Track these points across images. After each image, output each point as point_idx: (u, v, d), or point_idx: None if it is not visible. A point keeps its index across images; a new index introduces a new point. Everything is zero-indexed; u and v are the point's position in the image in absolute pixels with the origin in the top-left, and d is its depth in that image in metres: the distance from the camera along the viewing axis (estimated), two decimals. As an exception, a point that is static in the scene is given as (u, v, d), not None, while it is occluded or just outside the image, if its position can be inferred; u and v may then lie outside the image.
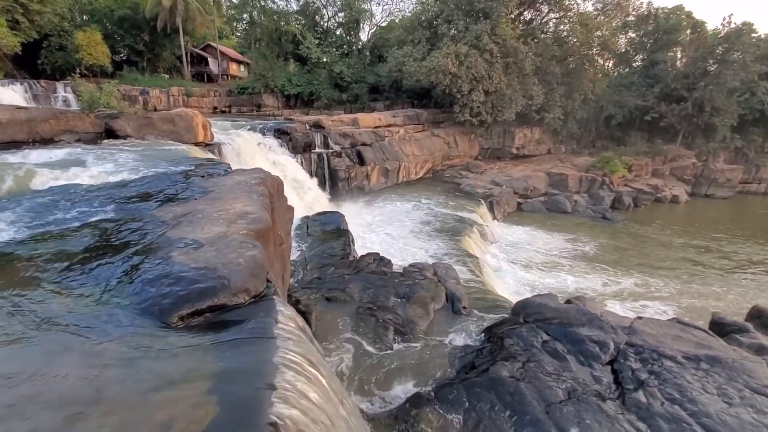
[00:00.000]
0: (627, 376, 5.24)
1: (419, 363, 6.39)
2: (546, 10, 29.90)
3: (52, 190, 5.16)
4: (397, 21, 36.11)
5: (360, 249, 11.64)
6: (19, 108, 9.45)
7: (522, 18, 30.38)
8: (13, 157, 7.09)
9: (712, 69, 29.74)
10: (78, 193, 4.96)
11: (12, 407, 1.41)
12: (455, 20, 25.81)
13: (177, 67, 37.60)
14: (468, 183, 23.22)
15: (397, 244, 13.73)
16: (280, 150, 16.98)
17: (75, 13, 32.05)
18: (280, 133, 17.79)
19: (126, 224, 3.72)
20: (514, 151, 30.25)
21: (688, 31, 32.64)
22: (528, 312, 6.97)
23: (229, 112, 33.80)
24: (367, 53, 35.50)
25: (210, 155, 10.12)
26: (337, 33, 35.14)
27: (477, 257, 12.91)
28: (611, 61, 35.61)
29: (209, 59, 39.83)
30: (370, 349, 6.62)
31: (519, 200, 23.08)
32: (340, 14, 34.70)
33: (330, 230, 11.98)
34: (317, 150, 19.07)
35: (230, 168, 6.95)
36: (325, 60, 31.56)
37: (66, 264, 2.93)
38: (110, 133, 10.25)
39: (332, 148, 19.61)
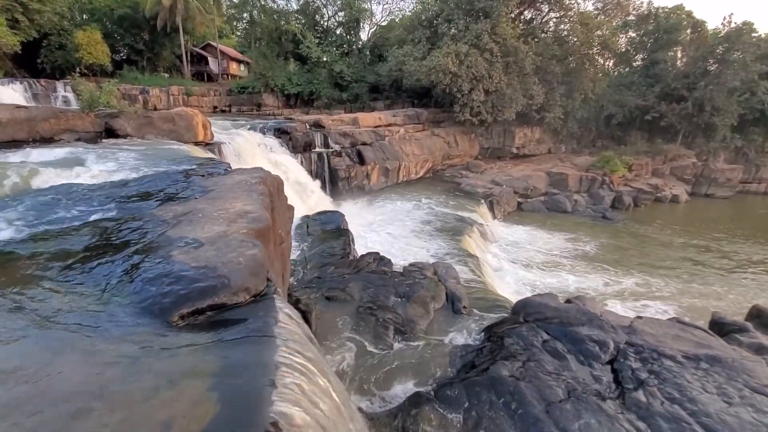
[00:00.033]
0: (627, 376, 5.24)
1: (419, 362, 6.39)
2: (546, 10, 29.89)
3: (52, 189, 5.15)
4: (397, 20, 36.09)
5: (362, 249, 11.64)
6: (19, 107, 9.43)
7: (522, 17, 30.36)
8: (13, 156, 7.09)
9: (713, 68, 29.73)
10: (78, 192, 4.96)
11: (16, 404, 1.41)
12: (455, 19, 25.79)
13: (177, 66, 37.59)
14: (468, 182, 23.21)
15: (399, 243, 13.74)
16: (281, 150, 16.96)
17: (75, 12, 32.04)
18: (280, 133, 17.79)
19: (126, 223, 3.72)
20: (515, 150, 30.23)
21: (689, 31, 32.62)
22: (528, 311, 6.97)
23: (229, 111, 33.80)
24: (368, 52, 35.47)
25: (210, 155, 10.12)
26: (338, 32, 35.12)
27: (477, 257, 12.92)
28: (611, 61, 35.59)
29: (209, 58, 39.81)
30: (370, 348, 6.62)
31: (519, 200, 23.08)
32: (340, 13, 34.69)
33: (330, 229, 11.99)
34: (317, 149, 19.07)
35: (230, 167, 6.95)
36: (325, 59, 31.55)
37: (67, 263, 2.93)
38: (110, 133, 10.25)
39: (332, 148, 19.61)
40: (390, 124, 23.98)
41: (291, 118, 23.31)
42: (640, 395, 4.89)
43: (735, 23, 29.94)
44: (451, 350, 6.71)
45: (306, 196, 15.66)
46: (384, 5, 46.44)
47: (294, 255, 10.27)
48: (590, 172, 26.28)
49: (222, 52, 39.97)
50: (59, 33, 27.90)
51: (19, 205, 4.44)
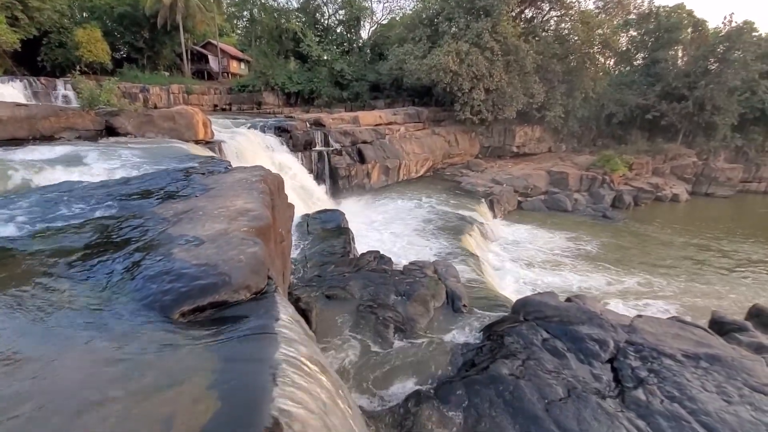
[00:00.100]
0: (626, 374, 5.25)
1: (419, 361, 6.40)
2: (547, 8, 29.85)
3: (53, 187, 5.16)
4: (397, 19, 36.05)
5: (365, 247, 11.63)
6: (19, 105, 9.43)
7: (523, 16, 30.32)
8: (14, 155, 7.09)
9: (713, 68, 29.71)
10: (79, 190, 4.96)
11: (21, 399, 1.42)
12: (456, 18, 25.75)
13: (177, 64, 37.50)
14: (468, 181, 23.21)
15: (402, 242, 13.75)
16: (281, 148, 16.95)
17: (75, 10, 31.94)
18: (281, 131, 17.79)
19: (127, 221, 3.72)
20: (515, 149, 30.22)
21: (689, 30, 32.59)
22: (528, 310, 6.98)
23: (230, 109, 33.74)
24: (368, 51, 35.43)
25: (210, 153, 10.12)
26: (338, 30, 35.07)
27: (477, 255, 12.93)
28: (612, 60, 35.55)
29: (209, 57, 39.71)
30: (370, 346, 6.63)
31: (519, 199, 23.08)
32: (340, 12, 34.64)
33: (330, 228, 11.99)
34: (318, 148, 19.06)
35: (231, 165, 6.96)
36: (325, 58, 31.52)
37: (68, 260, 2.94)
38: (110, 131, 10.24)
39: (333, 146, 19.60)
40: (390, 123, 23.96)
41: (291, 117, 23.28)
42: (640, 394, 4.90)
43: (736, 22, 29.98)
44: (452, 349, 6.72)
45: (312, 204, 15.47)
46: (385, 3, 46.54)
47: (294, 253, 10.28)
48: (591, 171, 26.27)
49: (222, 51, 39.87)
50: (59, 31, 27.83)
51: (21, 203, 4.44)
